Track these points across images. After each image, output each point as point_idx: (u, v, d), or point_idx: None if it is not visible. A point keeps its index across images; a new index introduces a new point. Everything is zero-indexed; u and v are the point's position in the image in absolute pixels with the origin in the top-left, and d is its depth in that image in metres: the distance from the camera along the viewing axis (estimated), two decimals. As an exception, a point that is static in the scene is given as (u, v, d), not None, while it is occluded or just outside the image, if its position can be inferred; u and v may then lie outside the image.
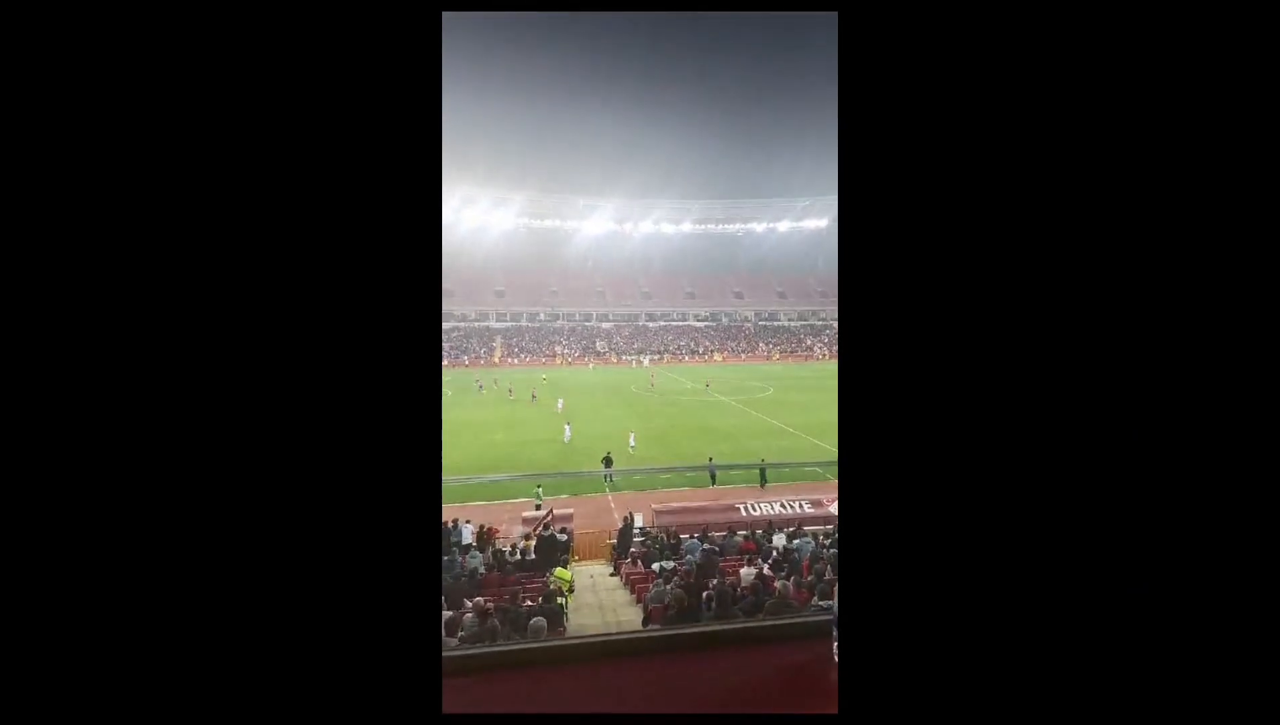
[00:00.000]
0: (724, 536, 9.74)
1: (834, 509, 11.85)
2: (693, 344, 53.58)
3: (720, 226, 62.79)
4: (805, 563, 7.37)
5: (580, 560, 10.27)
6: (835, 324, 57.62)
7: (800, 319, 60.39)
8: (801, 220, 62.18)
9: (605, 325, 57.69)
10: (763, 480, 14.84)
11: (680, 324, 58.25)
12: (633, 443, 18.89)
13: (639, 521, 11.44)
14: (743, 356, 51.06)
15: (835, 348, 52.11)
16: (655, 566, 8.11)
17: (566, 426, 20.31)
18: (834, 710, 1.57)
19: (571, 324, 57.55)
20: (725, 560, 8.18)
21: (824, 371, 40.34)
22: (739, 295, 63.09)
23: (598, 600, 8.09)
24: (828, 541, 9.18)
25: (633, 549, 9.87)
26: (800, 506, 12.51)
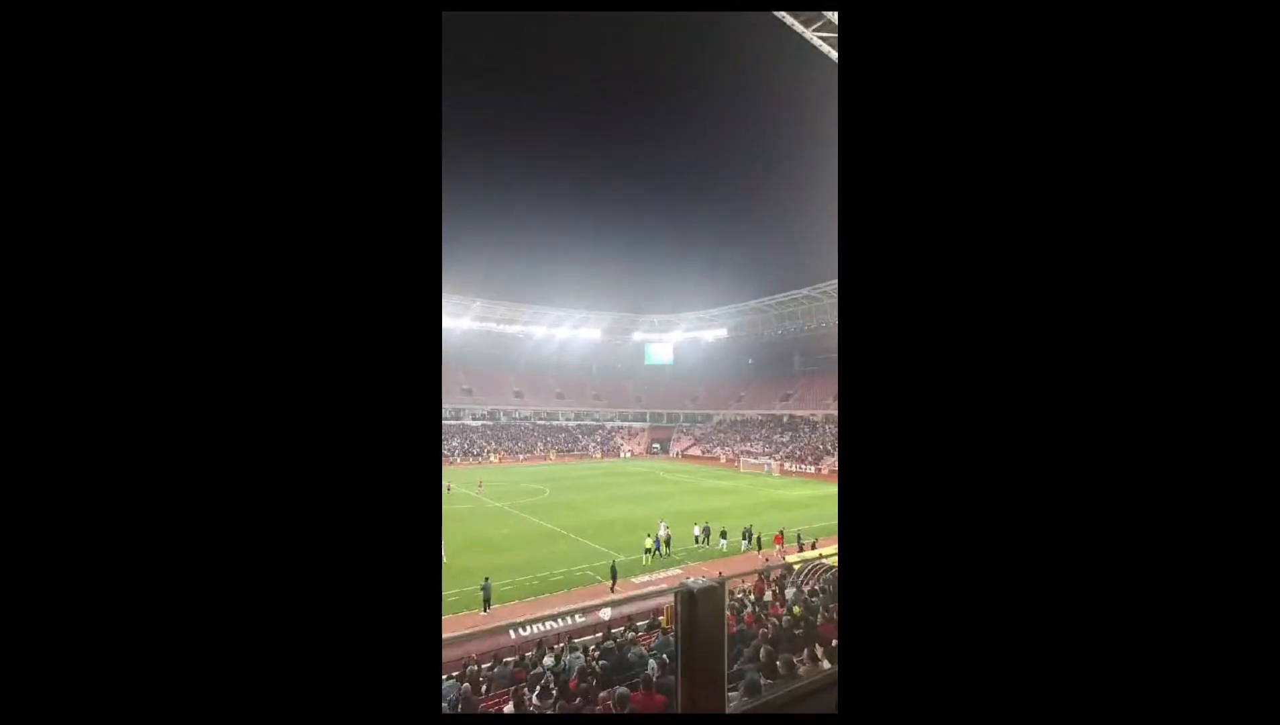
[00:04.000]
0: (490, 667, 8.87)
1: (604, 615, 11.98)
2: (467, 444, 50.59)
3: (500, 326, 63.55)
4: (572, 682, 7.20)
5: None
6: (607, 424, 61.95)
7: (577, 419, 63.03)
8: (578, 329, 67.35)
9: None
10: (613, 578, 15.40)
11: (454, 423, 54.81)
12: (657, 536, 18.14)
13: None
14: (520, 458, 50.16)
15: (606, 447, 55.53)
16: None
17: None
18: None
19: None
20: (488, 699, 7.43)
21: (599, 469, 42.17)
22: (519, 395, 63.19)
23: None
24: (596, 651, 9.16)
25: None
26: (572, 619, 12.32)
